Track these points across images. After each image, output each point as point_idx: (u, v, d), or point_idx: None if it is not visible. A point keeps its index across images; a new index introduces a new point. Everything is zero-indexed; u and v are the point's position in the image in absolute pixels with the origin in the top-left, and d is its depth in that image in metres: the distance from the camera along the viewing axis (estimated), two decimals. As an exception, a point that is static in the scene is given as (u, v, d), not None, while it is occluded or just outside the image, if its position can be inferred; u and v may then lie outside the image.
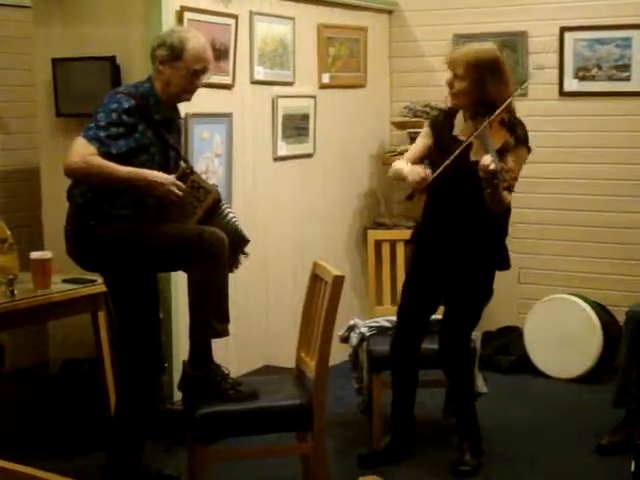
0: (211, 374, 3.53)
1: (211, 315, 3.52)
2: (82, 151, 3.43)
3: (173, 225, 3.59)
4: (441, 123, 4.14)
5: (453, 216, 4.05)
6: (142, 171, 3.50)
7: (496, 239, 4.12)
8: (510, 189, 3.80)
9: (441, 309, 4.25)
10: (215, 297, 3.53)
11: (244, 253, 3.75)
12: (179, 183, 3.54)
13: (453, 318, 4.14)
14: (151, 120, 3.59)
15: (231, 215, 3.71)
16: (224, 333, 3.57)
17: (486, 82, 3.90)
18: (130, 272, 3.67)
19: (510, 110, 3.97)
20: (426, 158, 4.21)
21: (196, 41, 3.61)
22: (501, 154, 3.78)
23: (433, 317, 4.25)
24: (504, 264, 4.17)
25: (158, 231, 3.58)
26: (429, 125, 4.22)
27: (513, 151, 3.88)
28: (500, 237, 4.14)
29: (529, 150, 4.01)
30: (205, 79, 3.70)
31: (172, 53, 3.57)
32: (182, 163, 3.76)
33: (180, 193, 3.53)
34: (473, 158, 3.86)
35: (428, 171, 3.91)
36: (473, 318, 4.17)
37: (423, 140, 4.18)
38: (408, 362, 4.23)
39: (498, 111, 3.85)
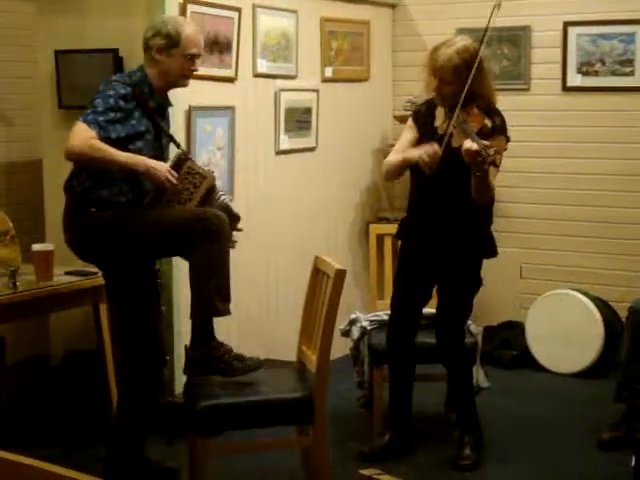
0: (213, 350, 3.55)
1: (213, 294, 3.53)
2: (83, 135, 3.45)
3: (174, 208, 3.62)
4: (424, 115, 4.14)
5: (439, 207, 4.06)
6: (140, 158, 3.52)
7: (482, 227, 4.13)
8: (495, 163, 3.74)
9: (433, 303, 4.26)
10: (217, 276, 3.54)
11: (238, 229, 3.78)
12: (173, 172, 3.56)
13: (446, 309, 4.15)
14: (146, 107, 3.63)
15: (221, 194, 3.77)
16: (225, 312, 3.58)
17: (472, 78, 3.91)
18: (131, 259, 3.67)
19: (489, 100, 4.00)
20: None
21: (190, 27, 3.71)
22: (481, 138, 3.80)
23: (427, 311, 4.25)
24: (491, 251, 4.18)
25: (160, 214, 3.61)
26: (412, 117, 4.20)
27: (492, 138, 3.87)
28: (486, 225, 4.16)
29: (507, 140, 4.04)
30: (199, 64, 3.74)
31: (169, 41, 3.62)
32: (178, 149, 3.78)
33: (175, 182, 3.54)
34: (455, 145, 3.89)
35: (435, 145, 3.91)
36: (465, 308, 4.19)
37: (409, 133, 4.17)
38: (404, 355, 4.24)
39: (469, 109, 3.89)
